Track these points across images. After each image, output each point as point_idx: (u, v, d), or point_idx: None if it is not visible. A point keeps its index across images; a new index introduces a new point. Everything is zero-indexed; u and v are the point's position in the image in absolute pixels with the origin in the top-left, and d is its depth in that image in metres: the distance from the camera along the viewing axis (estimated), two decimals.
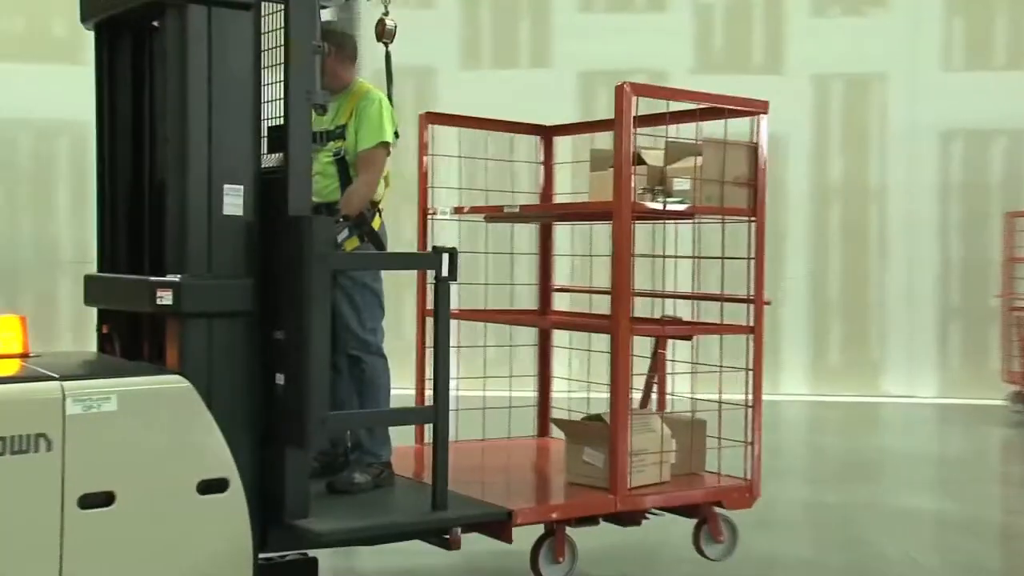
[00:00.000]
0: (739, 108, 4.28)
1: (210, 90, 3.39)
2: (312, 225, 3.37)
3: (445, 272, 3.62)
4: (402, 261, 4.39)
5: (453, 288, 3.69)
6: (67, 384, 3.11)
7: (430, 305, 3.77)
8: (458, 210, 4.83)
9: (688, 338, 4.57)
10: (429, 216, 4.94)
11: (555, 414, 5.13)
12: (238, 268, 3.43)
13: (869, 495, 6.46)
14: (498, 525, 3.73)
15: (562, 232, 5.49)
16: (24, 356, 3.45)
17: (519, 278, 5.46)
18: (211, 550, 3.33)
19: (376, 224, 4.13)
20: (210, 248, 3.39)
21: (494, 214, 4.84)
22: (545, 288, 5.41)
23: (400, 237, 4.82)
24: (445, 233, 4.87)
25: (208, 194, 3.39)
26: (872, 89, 11.00)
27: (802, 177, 10.90)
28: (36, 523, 3.07)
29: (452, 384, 3.66)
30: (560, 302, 5.51)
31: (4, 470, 2.98)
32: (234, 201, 3.45)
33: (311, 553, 3.71)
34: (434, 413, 3.63)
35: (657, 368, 4.72)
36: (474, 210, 4.84)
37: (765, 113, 4.33)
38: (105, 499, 3.19)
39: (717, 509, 4.27)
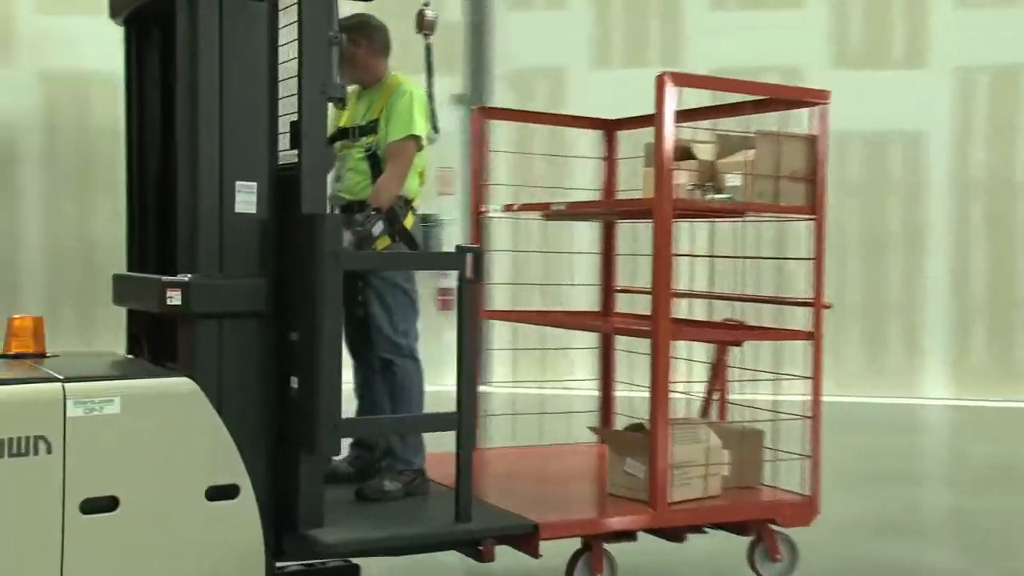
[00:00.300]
0: (797, 99, 4.00)
1: (221, 84, 3.28)
2: (324, 223, 3.25)
3: (470, 273, 3.45)
4: (424, 261, 4.07)
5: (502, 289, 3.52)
6: (69, 386, 3.04)
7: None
8: (508, 208, 4.66)
9: (739, 343, 4.29)
10: (483, 215, 4.78)
11: (618, 420, 4.92)
12: (251, 267, 3.32)
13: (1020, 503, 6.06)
14: (525, 538, 3.54)
15: (627, 231, 5.26)
16: (40, 356, 3.43)
17: (573, 279, 5.25)
18: (221, 558, 3.22)
19: (409, 222, 3.97)
20: (222, 247, 3.29)
21: (546, 212, 4.65)
22: (607, 289, 5.20)
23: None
24: (503, 233, 4.70)
25: (220, 191, 3.29)
26: (1020, 81, 10.48)
27: (943, 172, 10.53)
28: (36, 527, 3.00)
29: (508, 386, 3.52)
30: (623, 303, 5.28)
31: (3, 473, 2.93)
32: (246, 199, 3.35)
33: (355, 560, 3.60)
34: (457, 420, 3.46)
35: (718, 375, 4.46)
36: (524, 208, 4.66)
37: (826, 103, 4.02)
38: (108, 504, 3.10)
39: (774, 526, 3.99)
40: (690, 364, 4.39)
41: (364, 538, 3.40)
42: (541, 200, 4.61)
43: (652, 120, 5.08)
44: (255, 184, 3.33)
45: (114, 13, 3.73)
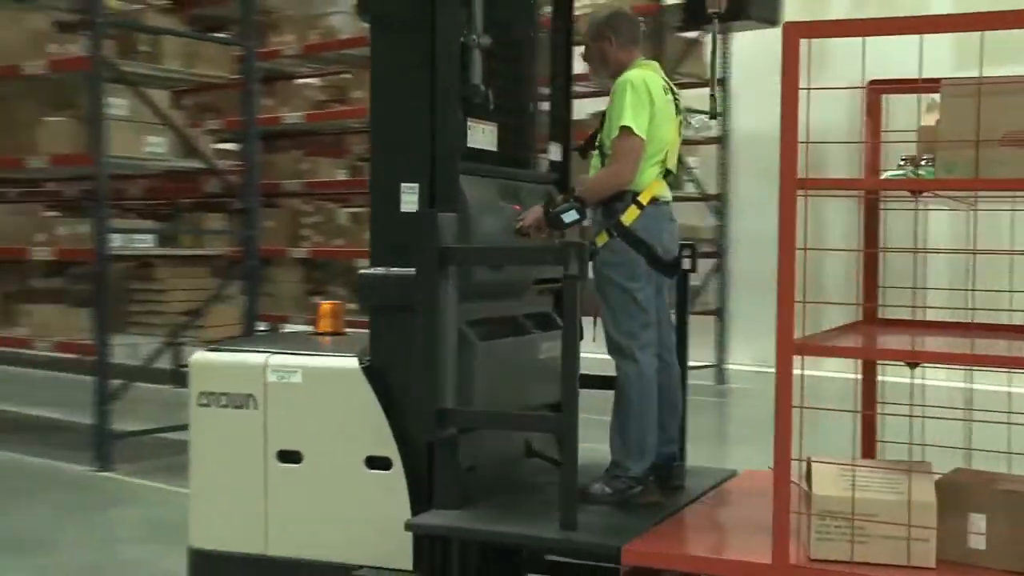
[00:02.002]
0: None
1: (390, 88, 3.69)
2: (426, 218, 3.49)
3: (576, 269, 3.32)
4: (525, 256, 3.78)
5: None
6: (271, 358, 3.79)
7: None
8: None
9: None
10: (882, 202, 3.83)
11: None
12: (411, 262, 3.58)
13: None
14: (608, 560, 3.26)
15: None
16: (336, 335, 4.21)
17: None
18: (375, 522, 3.56)
19: (629, 218, 3.64)
20: (393, 243, 3.64)
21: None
22: None
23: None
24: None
25: (392, 192, 3.64)
26: None
27: None
28: (250, 466, 3.78)
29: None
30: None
31: (228, 418, 3.81)
32: (410, 198, 3.64)
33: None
34: (560, 423, 3.39)
35: None
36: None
37: None
38: (294, 457, 3.75)
39: None
40: None
41: (450, 526, 3.44)
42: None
43: None
44: (417, 185, 3.63)
45: (361, 11, 3.91)
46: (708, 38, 3.85)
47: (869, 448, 3.72)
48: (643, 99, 3.59)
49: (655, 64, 3.82)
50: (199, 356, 3.98)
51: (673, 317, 3.95)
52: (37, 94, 7.54)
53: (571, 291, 3.34)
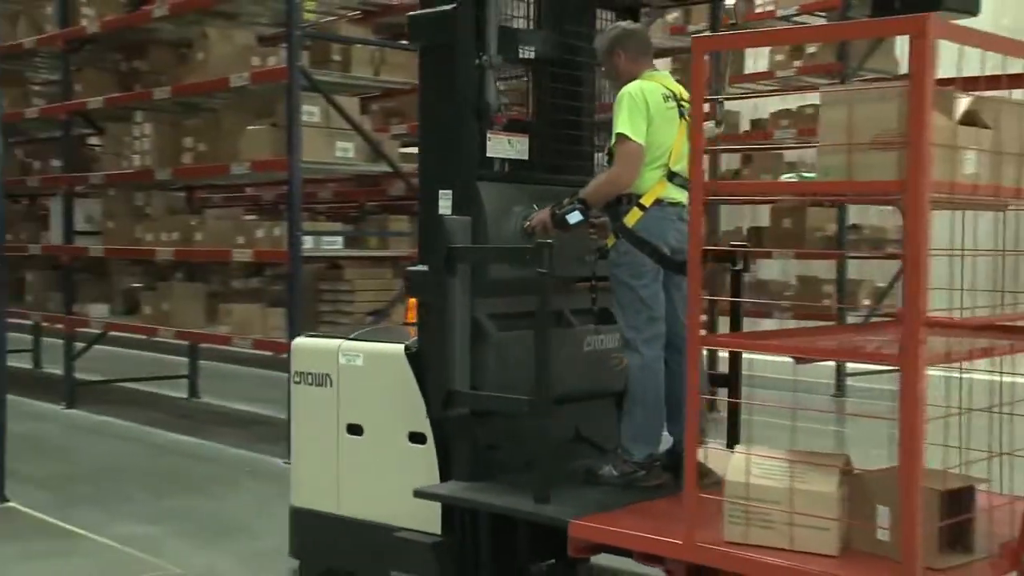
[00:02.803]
0: None
1: (429, 106, 4.17)
2: (443, 223, 3.97)
3: (546, 267, 3.68)
4: (508, 255, 4.06)
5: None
6: (343, 343, 4.40)
7: None
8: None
9: None
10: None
11: None
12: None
13: None
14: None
15: None
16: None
17: None
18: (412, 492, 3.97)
19: (631, 220, 3.89)
20: (433, 243, 4.01)
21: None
22: None
23: None
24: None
25: (433, 197, 4.08)
26: None
27: None
28: (327, 436, 4.41)
29: None
30: None
31: (313, 394, 4.46)
32: (445, 203, 4.05)
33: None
34: (532, 405, 3.73)
35: None
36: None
37: None
38: (358, 430, 4.34)
39: None
40: None
41: (452, 496, 3.89)
42: None
43: None
44: (450, 191, 4.07)
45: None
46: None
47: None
48: (639, 107, 3.84)
49: (664, 74, 4.13)
50: (297, 341, 4.63)
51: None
52: (242, 104, 7.99)
53: (541, 287, 3.71)
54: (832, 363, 9.42)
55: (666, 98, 3.94)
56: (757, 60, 11.49)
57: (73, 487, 6.22)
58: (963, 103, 3.07)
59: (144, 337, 9.02)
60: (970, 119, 3.07)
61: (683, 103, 3.98)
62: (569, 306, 4.27)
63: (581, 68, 4.53)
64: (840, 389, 9.81)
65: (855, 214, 10.59)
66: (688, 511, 3.15)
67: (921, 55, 2.76)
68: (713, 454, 3.78)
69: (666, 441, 4.02)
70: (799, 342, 3.40)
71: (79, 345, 9.23)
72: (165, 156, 8.13)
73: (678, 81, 4.16)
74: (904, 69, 11.64)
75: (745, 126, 11.87)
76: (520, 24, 4.49)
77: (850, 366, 10.07)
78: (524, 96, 4.67)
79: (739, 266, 4.15)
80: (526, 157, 4.32)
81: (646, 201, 3.90)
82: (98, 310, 9.11)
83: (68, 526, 5.34)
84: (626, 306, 3.93)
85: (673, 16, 10.29)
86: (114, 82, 8.95)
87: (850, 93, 3.09)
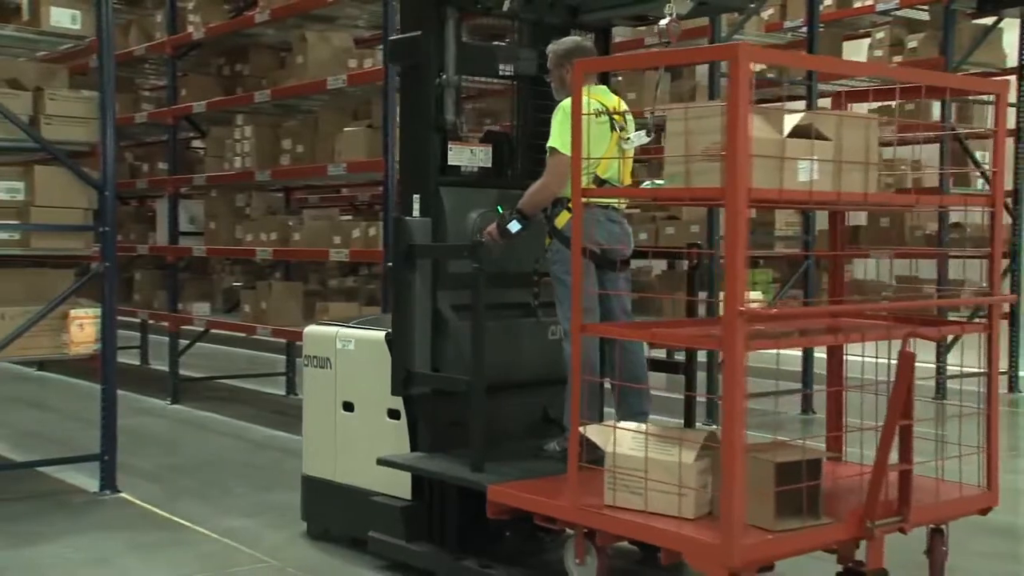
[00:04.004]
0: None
1: (405, 120, 4.87)
2: (397, 222, 4.62)
3: (478, 263, 4.20)
4: (451, 252, 4.55)
5: None
6: (340, 330, 5.00)
7: None
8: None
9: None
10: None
11: None
12: None
13: None
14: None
15: None
16: None
17: None
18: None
19: (561, 222, 4.36)
20: (398, 242, 4.59)
21: None
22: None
23: None
24: None
25: (408, 201, 4.66)
26: None
27: None
28: (328, 413, 5.00)
29: None
30: None
31: (317, 375, 5.06)
32: (416, 206, 4.65)
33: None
34: (469, 384, 4.23)
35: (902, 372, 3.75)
36: None
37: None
38: (350, 407, 4.90)
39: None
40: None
41: (402, 463, 4.46)
42: None
43: None
44: (419, 196, 4.64)
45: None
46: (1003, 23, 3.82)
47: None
48: (567, 123, 4.06)
49: (601, 89, 4.56)
50: (308, 328, 5.22)
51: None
52: (339, 106, 8.15)
53: (475, 281, 4.22)
54: (931, 365, 9.18)
55: (598, 113, 4.33)
56: (855, 55, 11.26)
57: (178, 480, 6.44)
58: (793, 118, 3.47)
59: (243, 335, 9.26)
60: (803, 132, 3.43)
61: (616, 116, 4.44)
62: (541, 299, 4.67)
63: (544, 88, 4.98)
64: (940, 391, 9.56)
65: (957, 213, 10.31)
66: (571, 480, 3.66)
67: (736, 77, 3.16)
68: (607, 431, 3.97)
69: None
70: (655, 332, 3.97)
71: (183, 342, 9.52)
72: (264, 158, 8.35)
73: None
74: (1012, 62, 11.32)
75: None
76: (506, 43, 5.19)
77: (949, 369, 9.81)
78: (511, 108, 5.22)
79: (693, 263, 4.69)
80: (489, 165, 4.85)
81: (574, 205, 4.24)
82: (201, 308, 9.40)
83: (174, 517, 5.54)
84: (562, 300, 4.35)
85: (768, 13, 10.15)
86: (217, 86, 9.22)
87: (689, 110, 3.50)
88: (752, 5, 6.78)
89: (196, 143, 10.54)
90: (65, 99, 5.93)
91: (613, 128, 4.42)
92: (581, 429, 3.69)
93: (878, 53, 10.49)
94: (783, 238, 9.34)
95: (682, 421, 4.67)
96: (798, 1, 9.64)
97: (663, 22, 4.23)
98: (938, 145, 8.61)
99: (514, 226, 4.38)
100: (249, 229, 8.61)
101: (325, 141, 7.81)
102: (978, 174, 10.06)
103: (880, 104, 10.95)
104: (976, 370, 3.91)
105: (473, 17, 5.00)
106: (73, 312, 5.90)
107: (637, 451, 3.58)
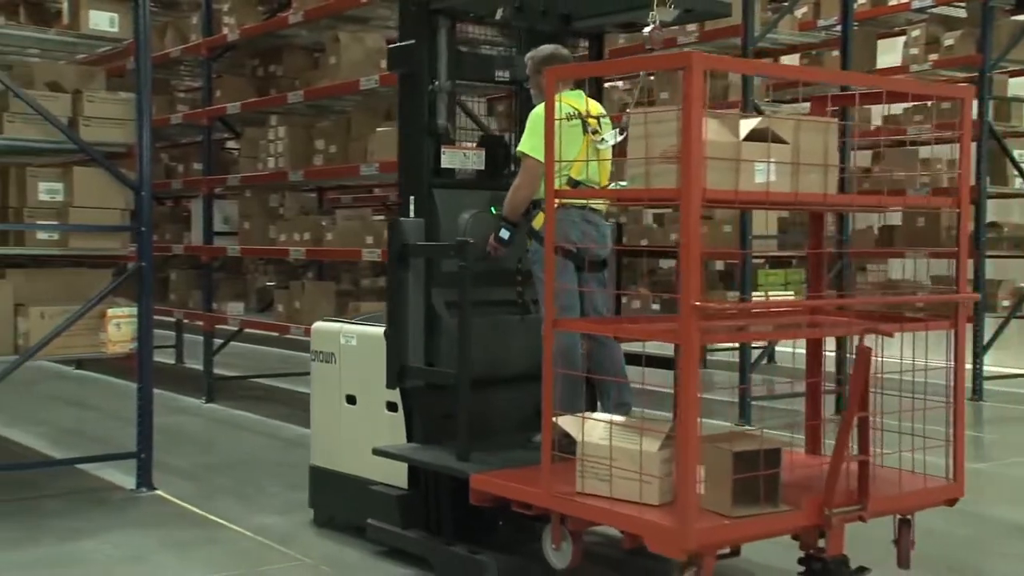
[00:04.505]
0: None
1: (403, 125, 4.95)
2: (392, 225, 4.82)
3: (464, 260, 4.42)
4: (439, 251, 4.76)
5: None
6: (344, 326, 5.25)
7: None
8: None
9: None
10: None
11: None
12: None
13: None
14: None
15: None
16: None
17: None
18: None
19: (538, 223, 4.53)
20: (392, 242, 4.81)
21: None
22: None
23: None
24: None
25: (407, 202, 4.89)
26: None
27: None
28: (334, 405, 5.24)
29: None
30: None
31: (322, 369, 5.32)
32: (413, 208, 4.87)
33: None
34: (455, 378, 4.43)
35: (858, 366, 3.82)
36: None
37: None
38: (353, 400, 5.13)
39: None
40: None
41: (395, 453, 4.68)
42: None
43: None
44: (413, 197, 4.86)
45: None
46: None
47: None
48: (540, 128, 4.21)
49: (575, 94, 4.69)
50: (315, 324, 5.45)
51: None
52: (371, 107, 8.19)
53: (461, 279, 4.44)
54: (969, 366, 9.10)
55: (570, 117, 4.47)
56: (889, 54, 11.17)
57: (213, 478, 6.50)
58: (750, 123, 3.60)
59: (277, 334, 9.33)
60: (759, 136, 3.56)
61: (590, 119, 4.58)
62: (533, 296, 4.83)
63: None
64: (977, 393, 9.47)
65: (994, 211, 10.20)
66: (544, 468, 3.84)
67: (689, 84, 3.34)
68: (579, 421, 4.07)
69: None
70: (619, 327, 4.31)
71: (217, 341, 9.61)
72: (298, 158, 8.41)
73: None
74: None
75: (876, 122, 11.55)
76: (503, 51, 5.45)
77: (987, 369, 9.72)
78: (511, 113, 5.47)
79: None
80: (482, 167, 5.03)
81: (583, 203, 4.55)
82: (235, 308, 9.48)
83: (208, 515, 5.59)
84: (541, 296, 4.45)
85: (802, 11, 10.08)
86: (251, 87, 9.30)
87: (649, 115, 3.66)
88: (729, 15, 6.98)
89: (230, 144, 10.63)
90: (103, 101, 6.01)
91: (585, 131, 4.57)
92: (556, 420, 3.86)
93: (913, 51, 10.40)
94: None
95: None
96: None
97: (646, 30, 4.41)
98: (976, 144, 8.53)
99: (504, 233, 4.64)
100: (282, 229, 8.68)
101: (358, 141, 7.85)
102: (1016, 173, 9.95)
103: (915, 104, 10.88)
104: (942, 365, 4.01)
105: (467, 25, 5.21)
106: (110, 311, 5.97)
107: (605, 440, 3.75)
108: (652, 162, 3.56)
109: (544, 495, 3.86)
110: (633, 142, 3.70)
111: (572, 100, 4.60)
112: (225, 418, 8.66)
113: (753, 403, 8.03)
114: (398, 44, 4.94)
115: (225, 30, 9.14)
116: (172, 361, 11.79)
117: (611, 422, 3.86)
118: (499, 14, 4.92)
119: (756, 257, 8.83)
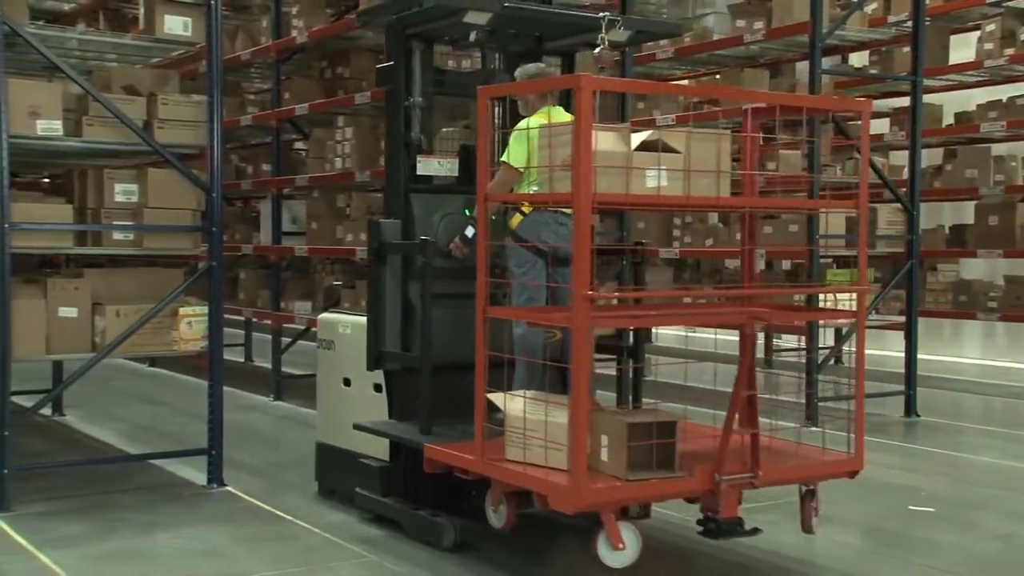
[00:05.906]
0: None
1: (388, 136, 5.55)
2: (372, 227, 5.31)
3: (427, 258, 4.93)
4: (407, 248, 5.23)
5: None
6: (341, 316, 5.91)
7: None
8: None
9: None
10: None
11: None
12: None
13: None
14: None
15: None
16: None
17: None
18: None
19: (514, 223, 5.03)
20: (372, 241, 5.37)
21: None
22: None
23: None
24: None
25: (388, 206, 5.49)
26: None
27: None
28: (335, 388, 5.85)
29: None
30: None
31: (325, 356, 5.94)
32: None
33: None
34: (420, 361, 4.95)
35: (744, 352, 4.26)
36: None
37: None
38: (348, 382, 5.74)
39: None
40: None
41: (370, 427, 5.24)
42: None
43: None
44: (391, 200, 5.42)
45: None
46: None
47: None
48: (523, 140, 4.83)
49: (556, 110, 5.17)
50: (321, 315, 6.12)
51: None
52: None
53: (423, 272, 4.96)
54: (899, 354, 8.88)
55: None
56: (963, 49, 10.96)
57: (280, 474, 6.60)
58: (641, 135, 4.16)
59: None
60: (651, 146, 4.08)
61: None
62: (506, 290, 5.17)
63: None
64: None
65: None
66: (477, 438, 4.37)
67: (580, 101, 3.84)
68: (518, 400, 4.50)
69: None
70: (535, 315, 4.71)
71: (285, 340, 9.75)
72: (364, 158, 8.50)
73: None
74: None
75: (948, 119, 11.34)
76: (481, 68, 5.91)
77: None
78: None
79: (637, 260, 5.40)
80: (456, 174, 5.48)
81: (526, 209, 5.01)
82: (302, 307, 9.61)
83: (277, 511, 5.69)
84: (513, 289, 5.05)
85: (872, 7, 9.93)
86: (319, 89, 9.42)
87: (552, 128, 4.34)
88: (679, 34, 7.82)
89: (298, 145, 10.78)
90: (176, 103, 6.13)
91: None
92: (488, 397, 4.37)
93: (988, 46, 10.19)
94: (883, 237, 9.14)
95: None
96: None
97: (596, 51, 4.90)
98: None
99: (470, 231, 5.03)
100: (349, 229, 8.78)
101: None
102: None
103: (990, 100, 10.66)
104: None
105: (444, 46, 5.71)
106: (182, 310, 6.10)
107: (523, 413, 4.28)
108: (554, 169, 4.15)
109: (477, 461, 4.37)
110: (540, 152, 4.34)
111: (555, 115, 5.04)
112: (292, 415, 8.79)
113: (819, 404, 7.94)
114: (382, 64, 5.47)
115: (294, 33, 9.27)
116: (241, 359, 11.98)
117: (527, 397, 4.37)
118: (472, 36, 5.29)
119: (823, 257, 8.73)
